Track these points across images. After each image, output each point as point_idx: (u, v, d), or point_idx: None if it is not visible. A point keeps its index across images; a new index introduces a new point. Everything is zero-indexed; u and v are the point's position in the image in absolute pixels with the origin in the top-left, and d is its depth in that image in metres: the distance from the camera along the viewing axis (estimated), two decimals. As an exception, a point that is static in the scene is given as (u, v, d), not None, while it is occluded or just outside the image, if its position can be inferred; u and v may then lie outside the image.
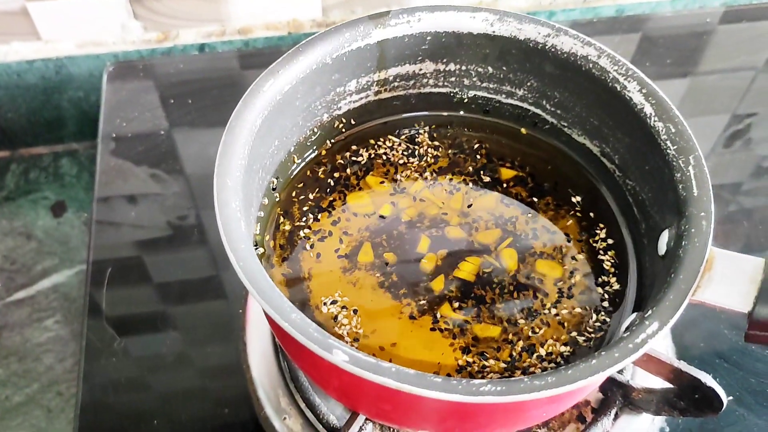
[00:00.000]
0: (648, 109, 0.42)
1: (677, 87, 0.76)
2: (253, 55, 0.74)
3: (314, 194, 0.48)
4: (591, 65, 0.44)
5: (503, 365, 0.41)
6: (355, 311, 0.43)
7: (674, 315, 0.34)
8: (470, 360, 0.41)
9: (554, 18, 0.78)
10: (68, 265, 0.73)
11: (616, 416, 0.49)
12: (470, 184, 0.49)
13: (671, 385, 0.45)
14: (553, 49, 0.45)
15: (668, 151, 0.40)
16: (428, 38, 0.47)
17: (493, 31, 0.46)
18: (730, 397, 0.51)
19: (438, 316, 0.43)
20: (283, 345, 0.42)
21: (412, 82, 0.50)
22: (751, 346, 0.53)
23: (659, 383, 0.48)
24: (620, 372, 0.50)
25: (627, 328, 0.36)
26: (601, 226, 0.47)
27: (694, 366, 0.44)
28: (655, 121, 0.42)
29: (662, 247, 0.40)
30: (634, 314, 0.38)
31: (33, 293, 0.72)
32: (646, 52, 0.77)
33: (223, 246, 0.57)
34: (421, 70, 0.49)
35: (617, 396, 0.49)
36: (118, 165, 0.66)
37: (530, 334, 0.42)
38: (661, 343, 0.53)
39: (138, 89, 0.71)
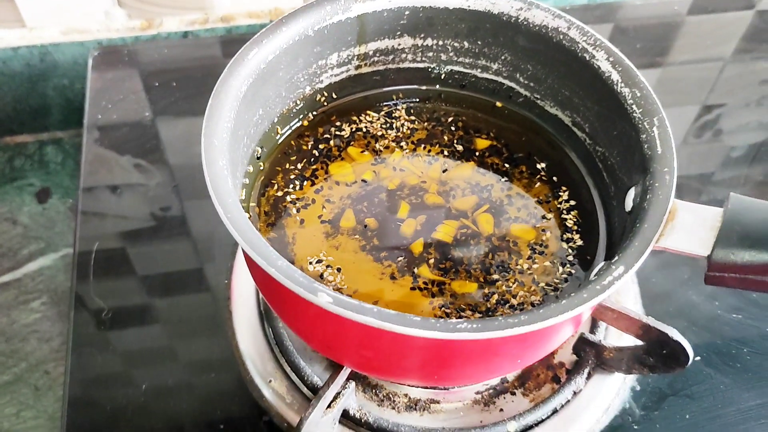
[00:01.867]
0: (615, 76, 0.44)
1: (648, 77, 0.78)
2: (235, 41, 0.76)
3: (297, 164, 0.50)
4: (561, 37, 0.47)
5: (479, 315, 0.43)
6: (338, 269, 0.45)
7: (639, 259, 0.36)
8: (448, 312, 0.43)
9: (529, 7, 0.80)
10: (54, 249, 0.74)
11: (589, 376, 0.51)
12: (447, 155, 0.51)
13: (641, 342, 0.48)
14: (525, 23, 0.48)
15: (634, 114, 0.43)
16: (406, 13, 0.49)
17: (468, 6, 0.48)
18: (698, 358, 0.53)
19: (417, 276, 0.45)
20: (268, 298, 0.44)
21: (391, 57, 0.52)
22: (718, 311, 0.56)
23: (630, 342, 0.50)
24: (593, 332, 0.52)
25: (596, 274, 0.38)
26: (564, 189, 0.49)
27: (664, 330, 0.46)
28: (621, 87, 0.44)
29: (629, 204, 0.42)
30: (603, 262, 0.40)
31: (19, 276, 0.73)
32: (617, 42, 0.79)
33: (206, 237, 0.59)
34: (399, 45, 0.51)
35: (590, 356, 0.51)
36: (102, 154, 0.67)
37: (504, 288, 0.44)
38: (632, 308, 0.55)
39: (122, 76, 0.72)
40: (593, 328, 0.53)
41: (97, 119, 0.69)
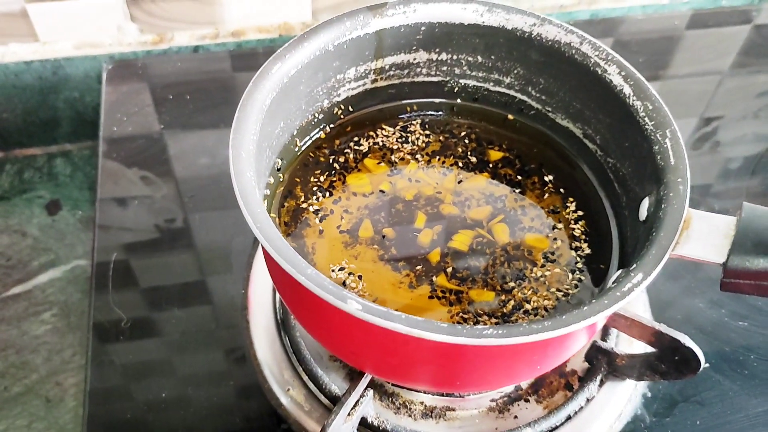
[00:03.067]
0: (627, 90, 0.46)
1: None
2: (245, 55, 0.77)
3: (316, 175, 0.51)
4: (574, 51, 0.48)
5: (495, 321, 0.44)
6: (360, 276, 0.46)
7: (656, 267, 0.37)
8: (466, 318, 0.44)
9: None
10: (64, 261, 0.75)
11: (602, 383, 0.52)
12: (461, 166, 0.52)
13: (653, 349, 0.49)
14: (538, 38, 0.49)
15: (646, 126, 0.44)
16: (422, 28, 0.50)
17: (483, 22, 0.50)
18: (707, 365, 0.54)
19: (435, 285, 0.46)
20: (292, 306, 0.44)
21: (406, 71, 0.53)
22: (725, 318, 0.57)
23: (641, 349, 0.51)
24: (604, 340, 0.53)
25: (614, 281, 0.39)
26: (575, 199, 0.50)
27: (673, 335, 0.47)
28: (633, 100, 0.45)
29: (643, 213, 0.43)
30: (620, 270, 0.41)
31: (30, 288, 0.73)
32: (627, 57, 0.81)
33: (209, 250, 0.60)
34: (415, 59, 0.52)
35: (602, 364, 0.52)
36: (111, 167, 0.68)
37: (520, 295, 0.45)
38: (642, 315, 0.56)
39: (136, 89, 0.73)
40: (605, 335, 0.54)
41: (112, 131, 0.69)
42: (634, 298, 0.55)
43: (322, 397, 0.51)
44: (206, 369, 0.53)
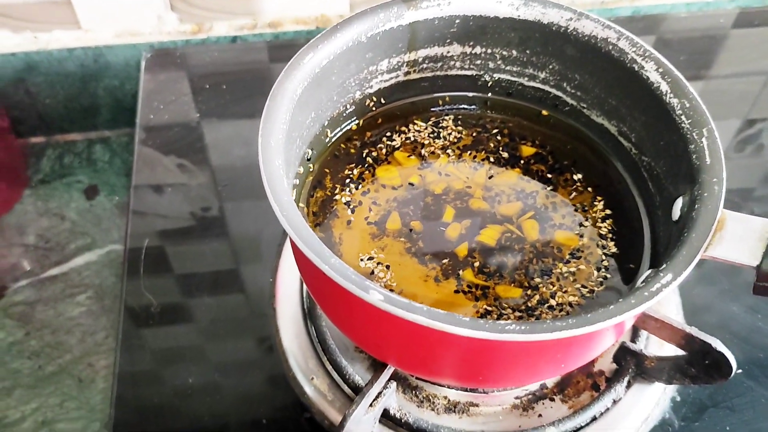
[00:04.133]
0: (664, 87, 0.45)
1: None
2: (282, 46, 0.77)
3: (345, 167, 0.51)
4: (611, 47, 0.47)
5: (518, 315, 0.44)
6: (387, 267, 0.46)
7: (687, 268, 0.36)
8: (489, 310, 0.44)
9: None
10: (100, 245, 0.76)
11: (629, 385, 0.51)
12: (493, 161, 0.52)
13: (683, 352, 0.48)
14: (574, 33, 0.48)
15: (683, 125, 0.43)
16: (457, 21, 0.50)
17: (518, 15, 0.49)
18: (739, 370, 0.53)
19: (461, 279, 0.46)
20: (317, 296, 0.45)
21: (440, 64, 0.53)
22: (759, 323, 0.56)
23: (671, 352, 0.50)
24: (633, 341, 0.53)
25: (643, 281, 0.38)
26: (607, 197, 0.49)
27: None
28: (670, 97, 0.44)
29: (676, 213, 0.42)
30: (650, 270, 0.40)
31: (66, 270, 0.75)
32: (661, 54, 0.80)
33: (241, 239, 0.61)
34: (449, 52, 0.52)
35: (630, 365, 0.51)
36: (147, 154, 0.69)
37: (545, 290, 0.45)
38: (674, 318, 0.55)
39: (174, 78, 0.74)
40: (634, 337, 0.53)
41: (149, 119, 0.70)
42: (666, 300, 0.55)
43: (345, 388, 0.51)
44: (233, 357, 0.54)
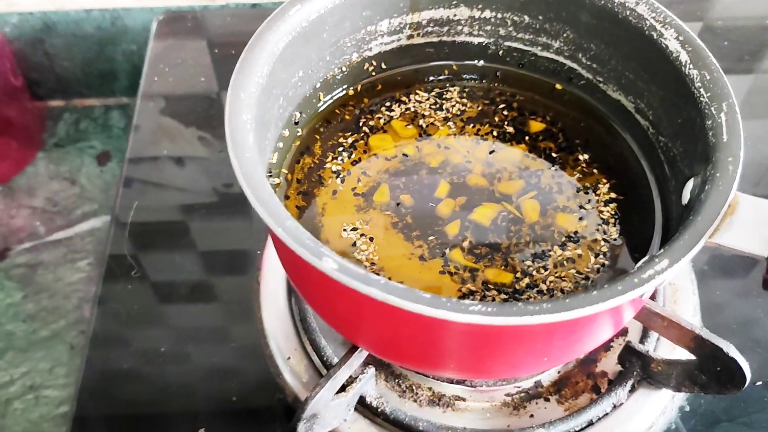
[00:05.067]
0: (684, 57, 0.40)
1: (740, 83, 0.72)
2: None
3: (338, 133, 0.48)
4: (628, 12, 0.43)
5: (504, 297, 0.40)
6: (371, 239, 0.42)
7: (687, 254, 0.32)
8: (473, 290, 0.40)
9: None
10: (107, 211, 0.74)
11: (633, 389, 0.47)
12: (498, 135, 0.48)
13: (693, 357, 0.43)
14: (591, -4, 0.44)
15: (701, 99, 0.38)
16: (464, -20, 0.46)
17: (530, -24, 0.45)
18: (759, 382, 0.48)
19: (449, 259, 0.42)
20: (283, 263, 0.41)
21: (446, 28, 0.49)
22: (788, 333, 0.50)
23: (681, 355, 0.45)
24: (642, 342, 0.48)
25: (638, 267, 0.34)
26: (604, 181, 0.45)
27: (724, 347, 0.41)
28: (690, 69, 0.39)
29: (686, 196, 0.38)
30: (648, 255, 0.36)
31: (70, 235, 0.73)
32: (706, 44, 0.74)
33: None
34: (455, 15, 0.48)
35: (635, 367, 0.46)
36: (166, 124, 0.67)
37: (537, 275, 0.41)
38: (689, 320, 0.50)
39: (187, 45, 0.71)
40: (643, 337, 0.48)
41: (160, 87, 0.68)
42: (682, 299, 0.50)
43: (323, 370, 0.48)
44: (210, 329, 0.51)
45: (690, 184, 0.37)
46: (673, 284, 0.52)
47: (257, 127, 0.39)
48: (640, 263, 0.35)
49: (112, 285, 0.54)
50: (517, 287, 0.40)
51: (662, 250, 0.32)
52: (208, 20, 0.73)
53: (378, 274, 0.39)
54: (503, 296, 0.40)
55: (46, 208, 0.75)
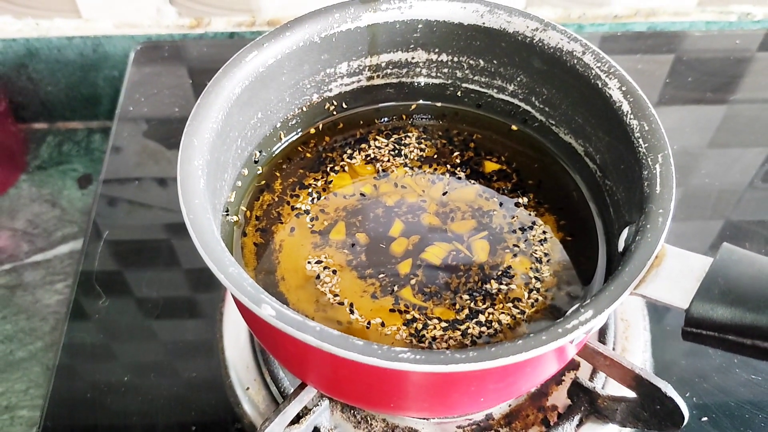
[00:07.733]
0: (626, 107, 0.41)
1: (713, 114, 0.73)
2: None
3: (298, 171, 0.49)
4: (576, 61, 0.44)
5: (444, 325, 0.42)
6: (334, 272, 0.44)
7: (610, 305, 0.33)
8: (418, 318, 0.42)
9: (583, 32, 0.77)
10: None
11: (581, 423, 0.48)
12: (453, 175, 0.49)
13: (636, 395, 0.44)
14: (540, 44, 0.45)
15: (639, 148, 0.40)
16: (419, 26, 0.47)
17: (483, 23, 0.46)
18: (705, 418, 0.49)
19: (399, 297, 0.43)
20: (235, 302, 0.43)
21: (405, 70, 0.50)
22: (736, 369, 0.51)
23: (627, 393, 0.46)
24: (591, 377, 0.49)
25: (567, 315, 0.35)
26: (568, 222, 0.47)
27: (672, 384, 0.43)
28: (630, 118, 0.41)
29: (621, 244, 0.39)
30: (577, 305, 0.37)
31: (50, 257, 0.75)
32: (679, 75, 0.75)
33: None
34: (413, 58, 0.50)
35: (583, 402, 0.48)
36: (149, 146, 0.68)
37: (474, 306, 0.42)
38: (639, 356, 0.51)
39: (166, 71, 0.73)
40: (594, 371, 0.50)
41: (139, 111, 0.70)
42: (629, 335, 0.51)
43: (281, 400, 0.49)
44: (173, 358, 0.53)
45: (625, 233, 0.39)
46: (625, 320, 0.53)
47: (212, 170, 0.40)
48: (568, 312, 0.37)
49: (77, 323, 0.56)
50: (458, 317, 0.42)
51: (588, 301, 0.34)
52: (185, 49, 0.75)
53: (342, 304, 0.42)
54: (444, 324, 0.41)
55: (26, 230, 0.77)
